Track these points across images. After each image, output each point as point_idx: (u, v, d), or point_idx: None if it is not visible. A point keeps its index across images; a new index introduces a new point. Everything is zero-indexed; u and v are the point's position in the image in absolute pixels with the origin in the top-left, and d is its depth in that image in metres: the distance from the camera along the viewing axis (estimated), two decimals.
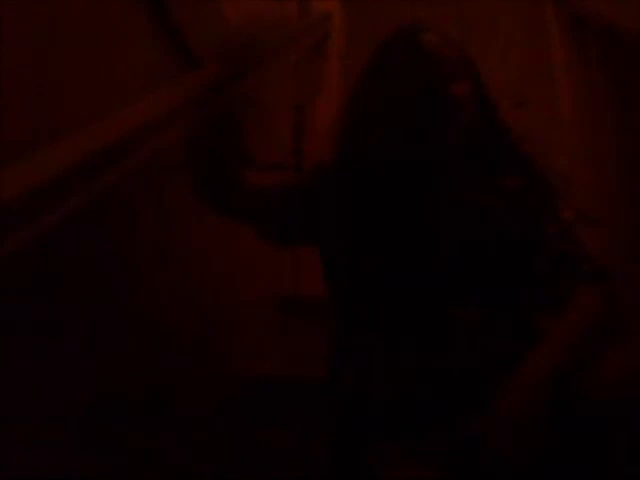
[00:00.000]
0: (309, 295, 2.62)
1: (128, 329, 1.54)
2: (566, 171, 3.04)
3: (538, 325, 1.48)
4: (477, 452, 1.34)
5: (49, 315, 1.29)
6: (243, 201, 1.64)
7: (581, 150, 3.03)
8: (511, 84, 3.76)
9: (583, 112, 3.00)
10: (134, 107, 1.51)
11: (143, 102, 1.55)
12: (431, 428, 1.40)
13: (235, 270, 2.28)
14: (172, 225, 1.83)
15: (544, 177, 1.60)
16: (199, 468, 1.72)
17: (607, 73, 2.67)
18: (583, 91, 2.98)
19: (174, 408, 1.69)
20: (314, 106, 3.51)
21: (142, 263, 1.65)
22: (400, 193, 1.52)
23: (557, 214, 1.56)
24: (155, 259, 1.71)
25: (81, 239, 1.37)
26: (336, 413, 1.50)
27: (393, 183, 1.52)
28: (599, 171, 2.78)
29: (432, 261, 1.48)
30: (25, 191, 1.10)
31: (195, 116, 1.66)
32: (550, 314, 1.47)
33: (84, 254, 1.39)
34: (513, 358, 1.39)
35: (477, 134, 1.56)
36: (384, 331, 1.47)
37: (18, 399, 1.23)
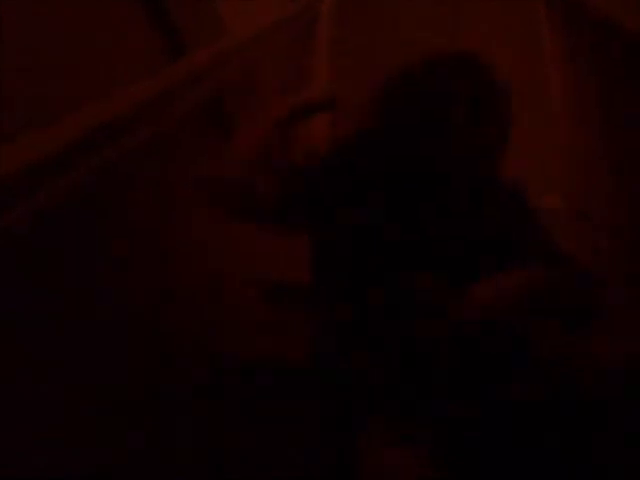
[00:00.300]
0: (294, 280, 2.64)
1: (115, 308, 1.55)
2: (558, 165, 3.06)
3: None
4: (462, 436, 1.36)
5: (47, 291, 1.29)
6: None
7: (571, 142, 3.04)
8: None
9: (574, 105, 3.02)
10: (132, 88, 1.52)
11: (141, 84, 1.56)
12: (416, 408, 1.41)
13: (222, 253, 2.29)
14: (162, 208, 1.83)
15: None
16: (188, 453, 1.73)
17: (599, 67, 2.68)
18: (574, 84, 3.00)
19: (159, 391, 1.70)
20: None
21: (135, 248, 1.66)
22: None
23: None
24: (146, 244, 1.71)
25: (77, 219, 1.38)
26: (323, 394, 1.52)
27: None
28: (589, 164, 2.80)
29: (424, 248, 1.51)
30: (22, 167, 1.11)
31: (189, 98, 1.68)
32: None
33: (79, 235, 1.40)
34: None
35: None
36: (367, 312, 1.50)
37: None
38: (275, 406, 1.76)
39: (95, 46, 1.51)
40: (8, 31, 1.27)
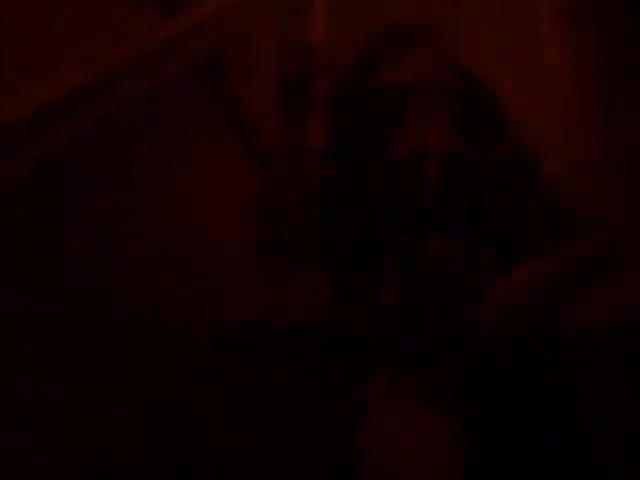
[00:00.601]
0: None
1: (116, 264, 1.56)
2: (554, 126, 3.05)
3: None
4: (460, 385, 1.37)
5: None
6: None
7: (566, 102, 3.03)
8: (496, 39, 3.74)
9: (570, 68, 3.01)
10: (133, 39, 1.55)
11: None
12: (416, 360, 1.42)
13: (221, 215, 2.30)
14: (164, 159, 1.85)
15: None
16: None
17: (598, 29, 2.69)
18: (571, 45, 3.00)
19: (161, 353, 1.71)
20: None
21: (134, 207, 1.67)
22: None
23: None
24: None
25: (79, 169, 1.39)
26: (328, 348, 1.54)
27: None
28: (583, 120, 2.80)
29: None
30: (24, 115, 1.13)
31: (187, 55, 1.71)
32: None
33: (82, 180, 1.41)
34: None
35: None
36: (369, 269, 1.52)
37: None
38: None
39: None
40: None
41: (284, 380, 1.72)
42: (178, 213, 1.91)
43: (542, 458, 1.34)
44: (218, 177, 2.11)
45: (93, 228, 1.45)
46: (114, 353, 1.53)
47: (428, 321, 1.44)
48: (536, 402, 1.36)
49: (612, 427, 1.26)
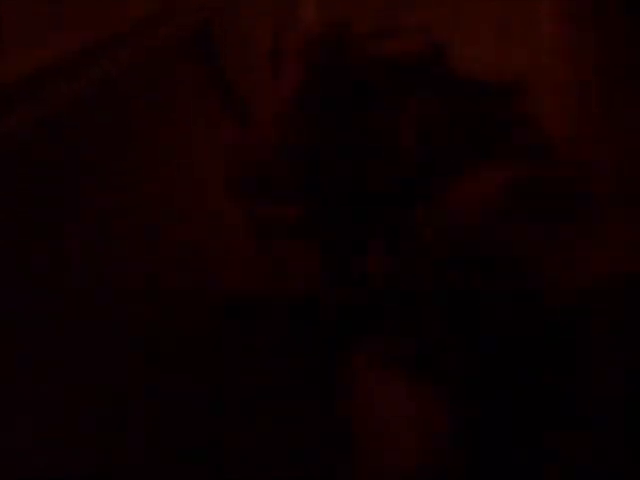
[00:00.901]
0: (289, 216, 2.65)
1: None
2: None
3: None
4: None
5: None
6: None
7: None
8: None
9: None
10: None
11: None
12: (399, 330, 1.43)
13: (218, 187, 2.30)
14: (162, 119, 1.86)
15: None
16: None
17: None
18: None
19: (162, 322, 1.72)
20: None
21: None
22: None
23: None
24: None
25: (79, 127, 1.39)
26: (314, 320, 1.55)
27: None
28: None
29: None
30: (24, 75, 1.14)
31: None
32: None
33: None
34: None
35: None
36: (354, 241, 1.52)
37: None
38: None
39: None
40: None
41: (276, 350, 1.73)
42: (174, 180, 1.91)
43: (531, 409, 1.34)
44: (212, 144, 2.10)
45: (93, 187, 1.46)
46: (112, 324, 1.53)
47: (410, 289, 1.44)
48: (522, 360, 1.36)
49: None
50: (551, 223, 1.43)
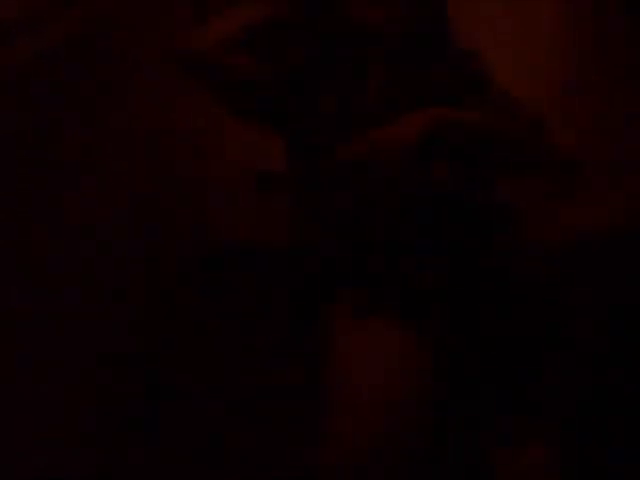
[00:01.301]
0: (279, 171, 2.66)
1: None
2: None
3: None
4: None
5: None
6: None
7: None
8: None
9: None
10: None
11: None
12: (382, 279, 1.43)
13: (208, 143, 2.29)
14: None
15: None
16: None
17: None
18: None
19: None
20: None
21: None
22: None
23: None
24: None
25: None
26: (298, 273, 1.55)
27: None
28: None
29: None
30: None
31: None
32: None
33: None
34: None
35: None
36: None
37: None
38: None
39: None
40: None
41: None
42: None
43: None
44: None
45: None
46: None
47: (392, 240, 1.44)
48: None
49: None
50: (511, 173, 1.42)
